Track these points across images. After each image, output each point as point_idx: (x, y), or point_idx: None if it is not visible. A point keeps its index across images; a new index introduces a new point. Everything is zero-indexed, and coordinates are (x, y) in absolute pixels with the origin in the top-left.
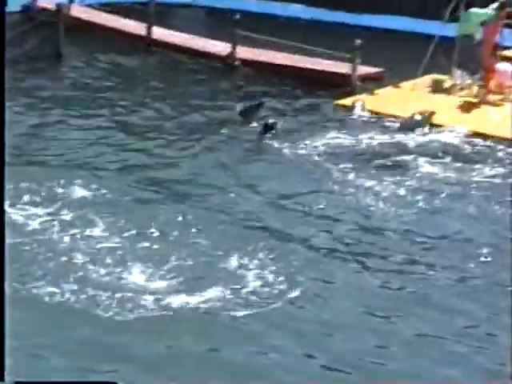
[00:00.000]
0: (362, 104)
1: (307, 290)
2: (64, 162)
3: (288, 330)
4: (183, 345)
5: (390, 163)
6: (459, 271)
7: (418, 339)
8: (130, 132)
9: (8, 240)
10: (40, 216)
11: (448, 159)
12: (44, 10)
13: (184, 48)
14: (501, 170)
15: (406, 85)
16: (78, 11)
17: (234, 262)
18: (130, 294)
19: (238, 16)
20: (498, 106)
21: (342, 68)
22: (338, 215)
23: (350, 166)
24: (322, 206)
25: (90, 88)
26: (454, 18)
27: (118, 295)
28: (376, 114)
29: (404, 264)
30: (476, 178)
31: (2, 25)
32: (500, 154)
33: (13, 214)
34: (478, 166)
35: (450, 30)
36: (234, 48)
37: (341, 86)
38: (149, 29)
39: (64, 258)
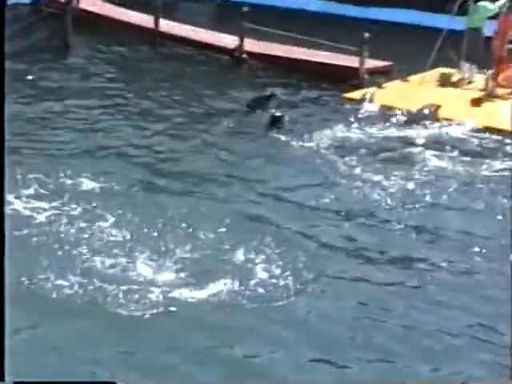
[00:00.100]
0: (371, 97)
1: (313, 284)
2: (71, 153)
3: (293, 325)
4: (187, 339)
5: (397, 157)
6: (467, 266)
7: (419, 335)
8: (138, 124)
9: (15, 232)
10: (47, 207)
11: (456, 153)
12: (52, 1)
13: (191, 41)
14: (509, 164)
15: (414, 78)
16: (85, 3)
17: (240, 255)
18: (136, 287)
19: (245, 9)
20: (506, 99)
21: (350, 61)
22: (345, 209)
23: (357, 159)
24: (328, 200)
25: (97, 79)
26: (462, 11)
27: (124, 288)
28: (384, 107)
29: (411, 259)
30: (484, 172)
31: (2, 23)
32: (508, 147)
33: (19, 205)
34: (486, 160)
35: (459, 23)
36: (241, 41)
37: (348, 79)
38: (156, 21)
39: (71, 250)
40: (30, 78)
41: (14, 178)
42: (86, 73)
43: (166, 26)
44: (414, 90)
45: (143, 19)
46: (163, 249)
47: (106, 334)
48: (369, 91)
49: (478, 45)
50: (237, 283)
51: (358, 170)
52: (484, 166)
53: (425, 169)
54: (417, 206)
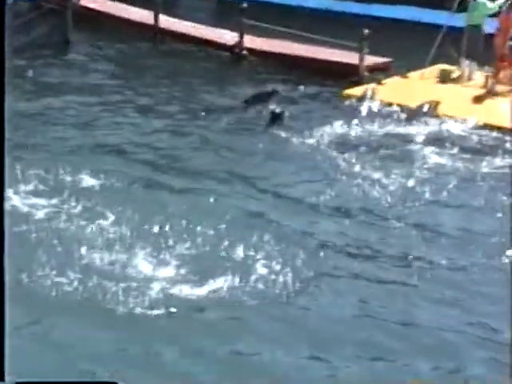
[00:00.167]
0: (372, 94)
1: (312, 281)
2: (71, 149)
3: (292, 322)
4: (186, 336)
5: (397, 154)
6: (466, 263)
7: (419, 332)
8: (138, 120)
9: (14, 228)
10: (47, 204)
11: (456, 150)
12: None
13: (191, 37)
14: (509, 161)
15: (413, 75)
16: (86, 0)
17: (240, 252)
18: (136, 284)
19: (244, 5)
20: (506, 96)
21: (350, 58)
22: (345, 206)
23: (357, 156)
24: (328, 197)
25: (97, 76)
26: (462, 8)
27: (123, 284)
28: (383, 104)
29: (411, 256)
30: (484, 169)
31: (2, 20)
32: (508, 145)
33: (18, 201)
34: (486, 157)
35: (459, 19)
36: (241, 37)
37: (348, 75)
38: (156, 18)
39: (70, 247)
40: (30, 74)
41: (13, 174)
42: (86, 69)
43: (166, 22)
44: (414, 87)
45: (143, 16)
46: (163, 245)
47: (105, 331)
48: (369, 88)
49: (477, 42)
50: (237, 280)
51: (357, 167)
52: (484, 163)
53: (424, 166)
54: (416, 203)
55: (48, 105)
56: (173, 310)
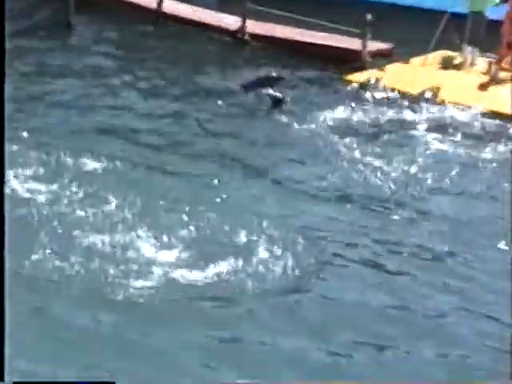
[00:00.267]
0: (376, 80)
1: (312, 267)
2: (72, 132)
3: (291, 309)
4: (185, 324)
5: (398, 140)
6: (468, 251)
7: (418, 320)
8: (140, 104)
9: (15, 212)
10: (48, 187)
11: (458, 136)
12: None
13: (194, 21)
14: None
15: (416, 61)
16: None
17: (242, 238)
18: (137, 267)
19: None
20: (509, 83)
21: (353, 43)
22: (346, 192)
23: (358, 142)
24: (329, 183)
25: (98, 59)
26: None
27: (124, 268)
28: (385, 89)
29: (411, 244)
30: (486, 156)
31: (2, 16)
32: (511, 131)
33: (18, 185)
34: (488, 144)
35: (462, 6)
36: (243, 22)
37: (351, 61)
38: (159, 1)
39: (71, 231)
40: (31, 56)
41: (14, 158)
42: (88, 52)
43: (169, 6)
44: (416, 73)
45: None
46: (164, 230)
47: (105, 314)
48: (373, 74)
49: (480, 28)
50: (237, 267)
51: (359, 153)
52: (486, 150)
53: (427, 152)
54: (418, 189)
55: (49, 88)
56: (173, 295)
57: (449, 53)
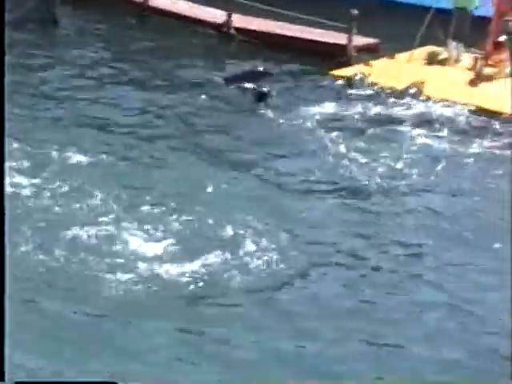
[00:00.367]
0: (362, 75)
1: (299, 262)
2: (56, 124)
3: (278, 305)
4: (171, 319)
5: (384, 135)
6: (455, 245)
7: (411, 314)
8: (125, 97)
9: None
10: (32, 180)
11: (444, 132)
12: None
13: (180, 15)
14: (497, 144)
15: (401, 56)
16: None
17: (228, 231)
18: (122, 261)
19: None
20: (494, 79)
21: (338, 38)
22: (332, 187)
23: (343, 137)
24: (315, 178)
25: (83, 51)
26: None
27: (110, 261)
28: (371, 85)
29: (398, 240)
30: (471, 151)
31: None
32: (496, 127)
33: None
34: (473, 139)
35: (447, 1)
36: (229, 16)
37: (337, 56)
38: None
39: (56, 224)
40: (16, 48)
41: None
42: (73, 45)
43: (155, 0)
44: (402, 68)
45: None
46: (150, 223)
47: (89, 308)
48: (359, 69)
49: (465, 24)
50: (223, 261)
51: (344, 148)
52: (471, 145)
53: (412, 148)
54: (404, 184)
55: (33, 80)
56: (158, 289)
57: (434, 48)
